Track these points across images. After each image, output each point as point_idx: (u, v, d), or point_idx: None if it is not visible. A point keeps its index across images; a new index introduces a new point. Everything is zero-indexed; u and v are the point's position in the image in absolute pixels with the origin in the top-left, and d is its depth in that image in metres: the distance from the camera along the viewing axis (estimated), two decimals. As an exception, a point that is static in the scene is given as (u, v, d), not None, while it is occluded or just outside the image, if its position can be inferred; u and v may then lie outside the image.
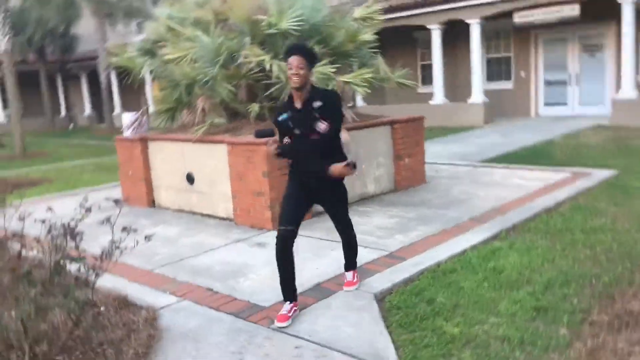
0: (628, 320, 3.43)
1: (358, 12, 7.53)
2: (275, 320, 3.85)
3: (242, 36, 6.88)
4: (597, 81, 16.15)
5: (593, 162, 8.91)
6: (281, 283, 3.99)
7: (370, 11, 7.50)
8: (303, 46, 4.24)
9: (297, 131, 3.92)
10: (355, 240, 4.46)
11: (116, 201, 3.41)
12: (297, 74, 3.81)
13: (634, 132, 12.10)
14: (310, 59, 3.94)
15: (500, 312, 3.75)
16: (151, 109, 10.32)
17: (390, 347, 3.39)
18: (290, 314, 3.90)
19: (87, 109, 31.09)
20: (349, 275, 4.45)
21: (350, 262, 4.48)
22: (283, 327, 3.79)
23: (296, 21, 6.61)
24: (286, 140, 3.98)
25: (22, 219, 3.32)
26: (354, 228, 4.41)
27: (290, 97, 4.02)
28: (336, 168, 3.87)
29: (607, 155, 9.52)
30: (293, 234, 3.96)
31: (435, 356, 3.24)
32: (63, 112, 31.77)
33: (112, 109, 25.78)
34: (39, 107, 28.57)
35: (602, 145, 10.76)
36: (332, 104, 3.97)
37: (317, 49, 6.71)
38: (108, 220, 3.35)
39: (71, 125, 28.87)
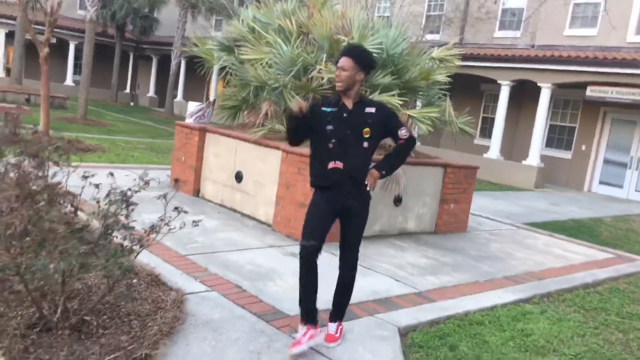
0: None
1: (436, 52, 7.62)
2: (288, 346, 3.63)
3: (319, 52, 7.04)
4: (658, 170, 15.79)
5: (639, 250, 8.69)
6: (301, 300, 3.72)
7: (449, 54, 7.58)
8: (354, 47, 3.97)
9: (343, 132, 3.64)
10: (353, 284, 3.93)
11: (176, 180, 3.53)
12: (338, 74, 3.64)
13: (688, 229, 11.72)
14: (360, 61, 3.65)
15: (522, 375, 3.71)
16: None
17: (405, 382, 3.39)
18: (303, 340, 3.58)
19: (151, 90, 32.02)
20: (332, 327, 3.89)
21: (339, 310, 3.94)
22: (295, 355, 3.53)
23: (375, 48, 6.72)
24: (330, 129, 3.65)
25: (85, 177, 3.46)
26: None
27: (339, 96, 3.76)
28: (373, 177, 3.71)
29: (656, 247, 9.26)
30: (317, 250, 3.63)
31: (448, 402, 3.22)
32: (128, 89, 32.75)
33: (174, 96, 26.47)
34: (107, 79, 29.59)
35: (652, 235, 10.48)
36: (386, 115, 3.78)
37: (389, 79, 6.82)
38: (164, 196, 3.48)
39: (131, 103, 29.77)
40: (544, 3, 14.73)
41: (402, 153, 3.87)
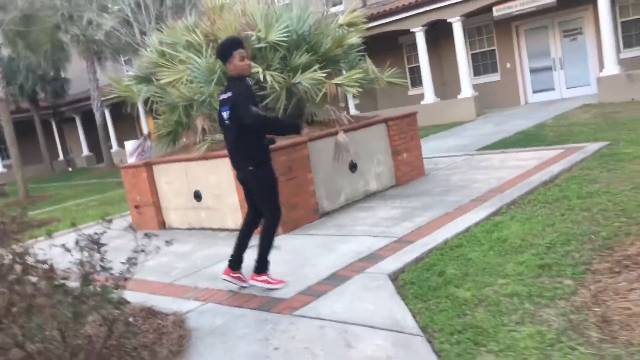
0: (627, 263, 3.65)
1: (342, 18, 7.82)
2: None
3: (233, 53, 7.13)
4: (580, 63, 16.45)
5: (585, 138, 9.16)
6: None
7: (354, 16, 7.79)
8: None
9: None
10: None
11: (136, 207, 3.62)
12: None
13: (620, 106, 12.36)
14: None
15: (508, 274, 3.96)
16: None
17: (408, 315, 3.60)
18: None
19: (85, 149, 31.37)
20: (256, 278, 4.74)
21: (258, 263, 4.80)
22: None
23: (284, 33, 6.88)
24: None
25: (50, 235, 3.53)
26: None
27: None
28: None
29: (598, 130, 9.77)
30: None
31: (450, 317, 3.44)
32: (61, 155, 32.06)
33: (109, 147, 26.06)
34: (37, 154, 28.91)
35: (591, 122, 11.02)
36: None
37: (306, 57, 7.00)
38: (132, 227, 3.57)
39: (69, 168, 29.22)
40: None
41: None
